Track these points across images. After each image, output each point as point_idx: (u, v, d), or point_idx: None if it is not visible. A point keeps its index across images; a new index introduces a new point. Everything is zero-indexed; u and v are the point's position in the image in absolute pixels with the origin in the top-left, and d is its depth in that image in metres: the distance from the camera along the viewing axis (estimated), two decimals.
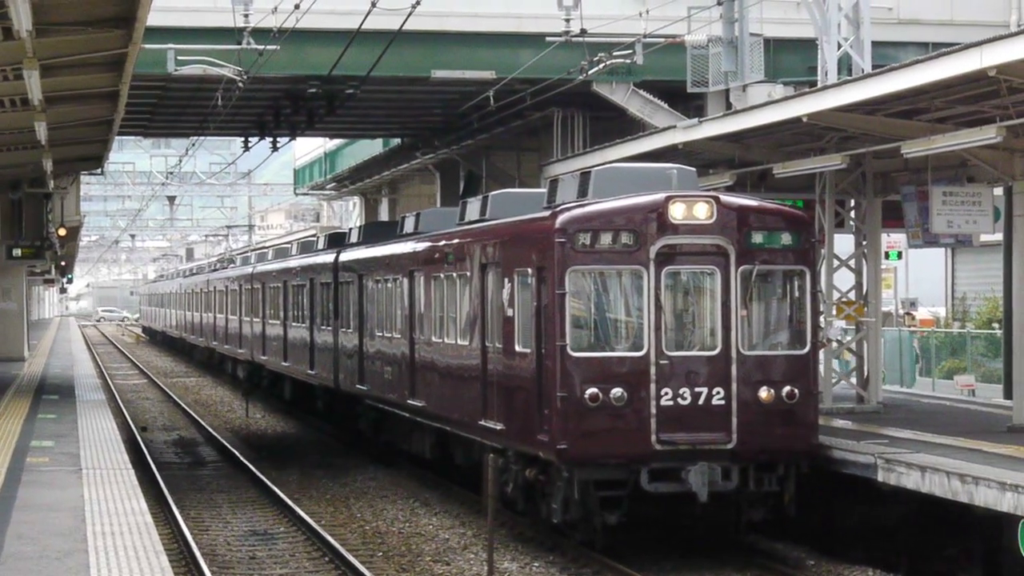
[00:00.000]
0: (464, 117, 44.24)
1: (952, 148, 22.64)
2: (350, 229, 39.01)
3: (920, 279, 55.52)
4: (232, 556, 22.16)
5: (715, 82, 34.56)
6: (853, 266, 28.93)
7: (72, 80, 24.29)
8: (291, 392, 43.81)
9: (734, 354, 20.72)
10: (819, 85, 28.55)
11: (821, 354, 25.14)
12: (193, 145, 52.96)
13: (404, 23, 25.75)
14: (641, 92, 37.19)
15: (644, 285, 20.58)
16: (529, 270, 21.49)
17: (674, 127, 29.24)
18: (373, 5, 24.36)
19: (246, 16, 32.88)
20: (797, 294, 21.34)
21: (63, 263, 75.86)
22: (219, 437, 37.95)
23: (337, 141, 64.93)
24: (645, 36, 33.60)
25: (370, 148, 59.97)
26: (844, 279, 28.97)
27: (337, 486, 29.45)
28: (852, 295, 28.83)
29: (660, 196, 20.86)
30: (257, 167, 73.34)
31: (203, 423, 42.13)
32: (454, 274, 25.28)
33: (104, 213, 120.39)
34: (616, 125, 38.46)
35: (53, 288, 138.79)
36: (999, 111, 22.19)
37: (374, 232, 34.87)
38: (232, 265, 62.38)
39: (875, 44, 32.84)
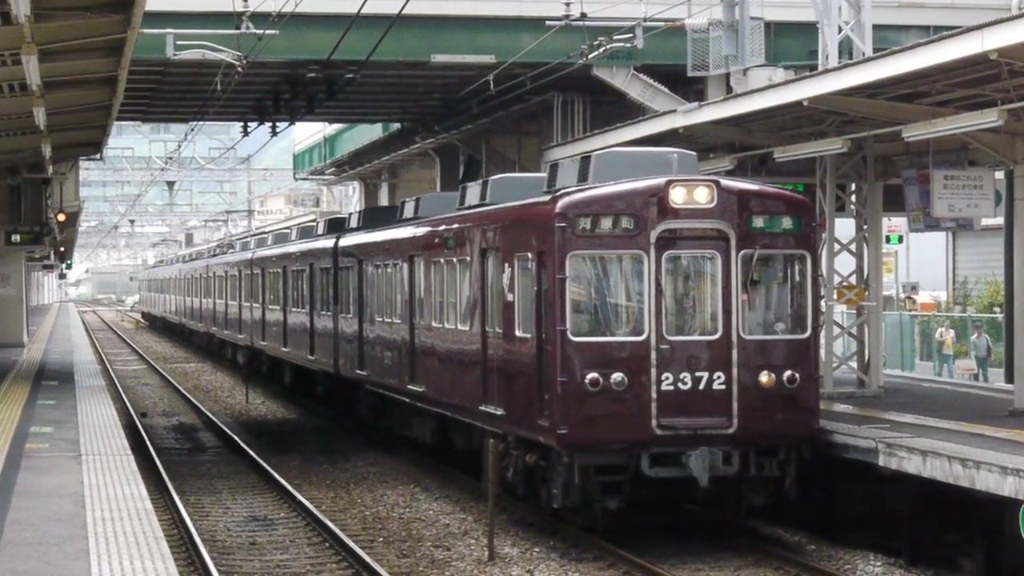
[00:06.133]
0: (464, 101, 44.15)
1: (953, 132, 22.57)
2: (350, 214, 38.96)
3: (921, 263, 55.56)
4: (232, 542, 22.14)
5: (716, 66, 34.53)
6: (854, 250, 28.87)
7: (71, 65, 24.22)
8: (291, 378, 43.77)
9: (735, 338, 20.67)
10: (820, 69, 28.48)
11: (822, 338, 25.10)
12: (192, 130, 52.91)
13: (404, 7, 25.63)
14: (641, 76, 37.13)
15: (645, 270, 20.52)
16: (529, 255, 21.43)
17: (674, 111, 29.17)
18: None
19: (245, 0, 32.79)
20: (798, 278, 21.29)
21: (62, 248, 75.82)
22: (219, 423, 37.92)
23: (337, 126, 64.83)
24: (645, 20, 33.55)
25: (370, 133, 59.88)
26: (845, 263, 28.93)
27: (337, 472, 29.42)
28: (853, 279, 28.78)
29: (660, 180, 20.81)
30: (256, 152, 73.31)
31: (203, 409, 42.11)
32: (454, 259, 25.22)
33: (103, 198, 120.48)
34: (616, 109, 38.41)
35: (52, 274, 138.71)
36: (1000, 94, 22.13)
37: (374, 217, 34.82)
38: (231, 250, 62.28)
39: (876, 27, 32.81)
